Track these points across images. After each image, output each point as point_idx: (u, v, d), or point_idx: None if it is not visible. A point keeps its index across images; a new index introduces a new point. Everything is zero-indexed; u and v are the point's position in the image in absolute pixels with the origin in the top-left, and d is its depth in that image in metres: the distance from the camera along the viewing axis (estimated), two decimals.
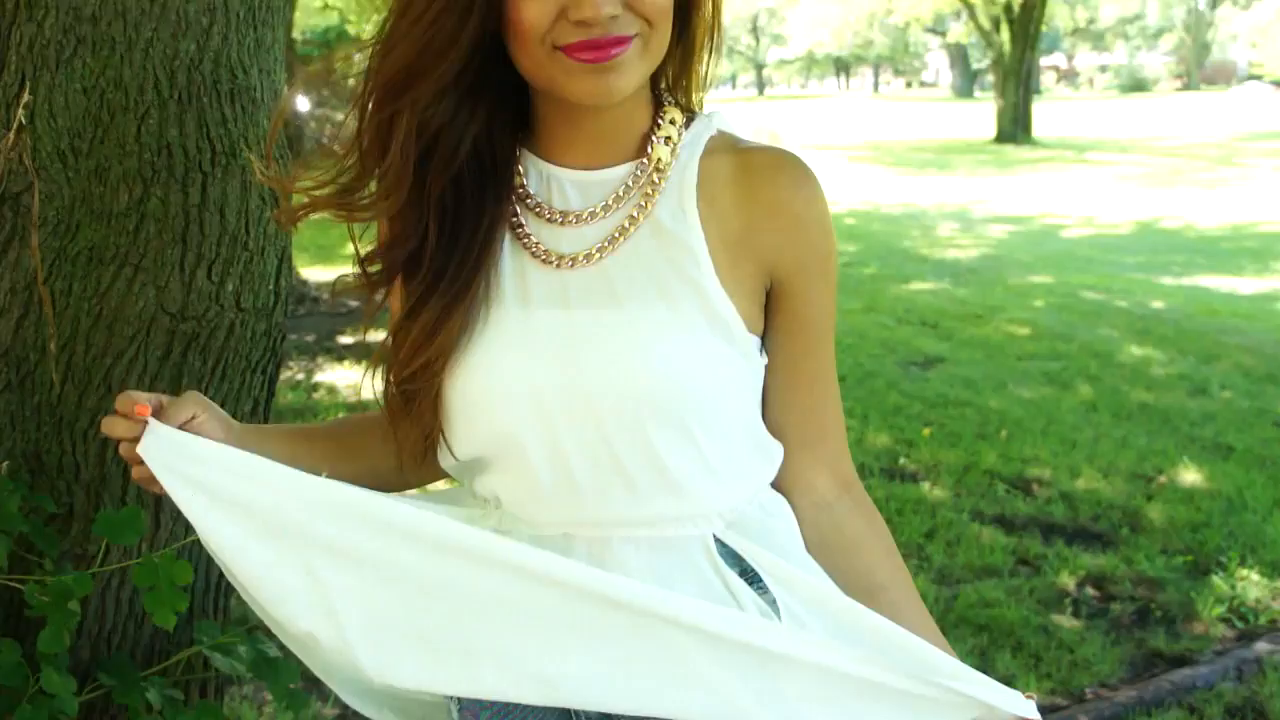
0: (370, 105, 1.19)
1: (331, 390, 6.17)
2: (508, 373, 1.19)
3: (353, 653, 1.17)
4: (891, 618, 1.23)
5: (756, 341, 1.25)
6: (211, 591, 2.05)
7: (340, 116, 1.26)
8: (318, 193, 1.24)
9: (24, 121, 1.74)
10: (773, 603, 1.21)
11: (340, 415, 5.51)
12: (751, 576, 1.22)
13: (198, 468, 1.21)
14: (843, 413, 1.35)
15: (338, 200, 1.23)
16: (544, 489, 1.20)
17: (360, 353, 6.58)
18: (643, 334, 1.17)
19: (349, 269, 1.31)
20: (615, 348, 1.17)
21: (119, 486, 1.88)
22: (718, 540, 1.22)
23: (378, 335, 1.30)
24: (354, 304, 7.81)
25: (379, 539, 1.17)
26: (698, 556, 1.20)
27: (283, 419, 5.48)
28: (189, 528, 1.95)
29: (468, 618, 1.15)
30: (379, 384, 1.28)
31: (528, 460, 1.19)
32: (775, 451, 1.29)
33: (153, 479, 1.23)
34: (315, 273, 8.69)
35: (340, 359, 6.60)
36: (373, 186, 1.23)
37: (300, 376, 6.35)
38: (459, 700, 1.27)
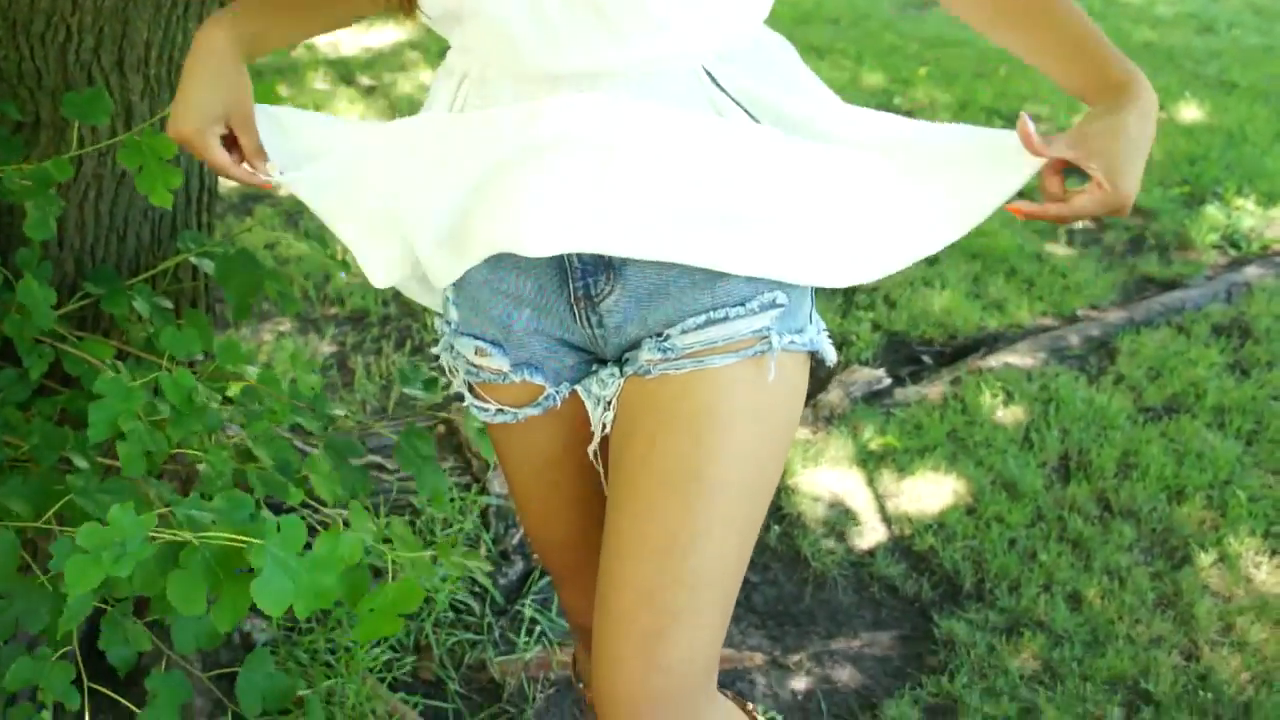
0: None
1: (310, 48, 5.95)
2: None
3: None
4: None
5: None
6: (194, 205, 2.00)
7: None
8: None
9: None
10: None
11: (321, 70, 5.33)
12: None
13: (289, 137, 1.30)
14: None
15: None
16: (520, 37, 1.11)
17: None
18: None
19: None
20: None
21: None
22: (708, 73, 1.15)
23: None
24: None
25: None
26: (687, 83, 1.14)
27: (262, 77, 5.30)
28: (154, 111, 1.88)
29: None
30: None
31: (502, 15, 1.11)
32: None
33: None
34: None
35: None
36: None
37: None
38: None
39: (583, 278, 1.21)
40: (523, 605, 2.30)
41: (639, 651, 1.16)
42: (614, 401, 1.25)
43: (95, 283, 1.76)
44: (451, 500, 2.46)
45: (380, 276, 1.28)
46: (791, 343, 1.20)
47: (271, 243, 3.79)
